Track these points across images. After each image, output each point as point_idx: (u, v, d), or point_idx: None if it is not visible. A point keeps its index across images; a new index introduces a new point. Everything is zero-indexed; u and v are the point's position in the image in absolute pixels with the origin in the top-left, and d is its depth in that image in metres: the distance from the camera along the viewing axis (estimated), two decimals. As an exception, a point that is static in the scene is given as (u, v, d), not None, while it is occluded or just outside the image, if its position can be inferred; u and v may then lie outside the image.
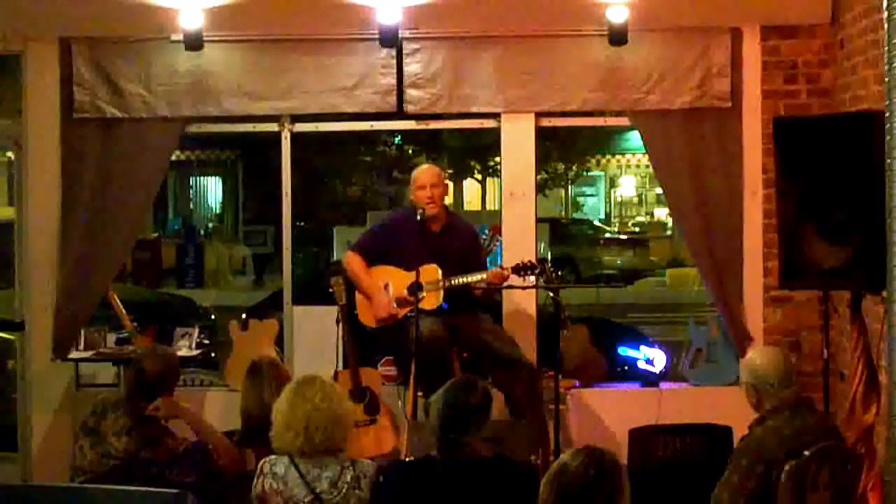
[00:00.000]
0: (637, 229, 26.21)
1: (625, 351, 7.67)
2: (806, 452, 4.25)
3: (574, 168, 24.76)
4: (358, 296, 6.48)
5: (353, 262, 6.49)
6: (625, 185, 29.60)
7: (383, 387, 6.61)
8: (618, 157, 26.53)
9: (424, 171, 6.51)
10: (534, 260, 6.39)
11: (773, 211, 6.34)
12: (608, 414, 6.90)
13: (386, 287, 6.39)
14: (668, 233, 22.83)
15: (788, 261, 5.52)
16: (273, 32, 6.91)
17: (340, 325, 6.43)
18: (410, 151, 21.67)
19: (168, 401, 5.02)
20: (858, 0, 6.18)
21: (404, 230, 6.35)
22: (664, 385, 7.08)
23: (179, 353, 6.16)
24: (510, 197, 7.08)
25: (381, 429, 6.37)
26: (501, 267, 6.36)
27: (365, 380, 6.40)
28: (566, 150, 22.54)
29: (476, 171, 22.89)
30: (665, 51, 6.82)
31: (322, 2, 6.71)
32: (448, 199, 6.72)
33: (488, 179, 23.31)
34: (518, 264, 6.26)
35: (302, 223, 15.76)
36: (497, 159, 16.49)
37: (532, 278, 6.35)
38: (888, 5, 3.48)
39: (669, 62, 6.81)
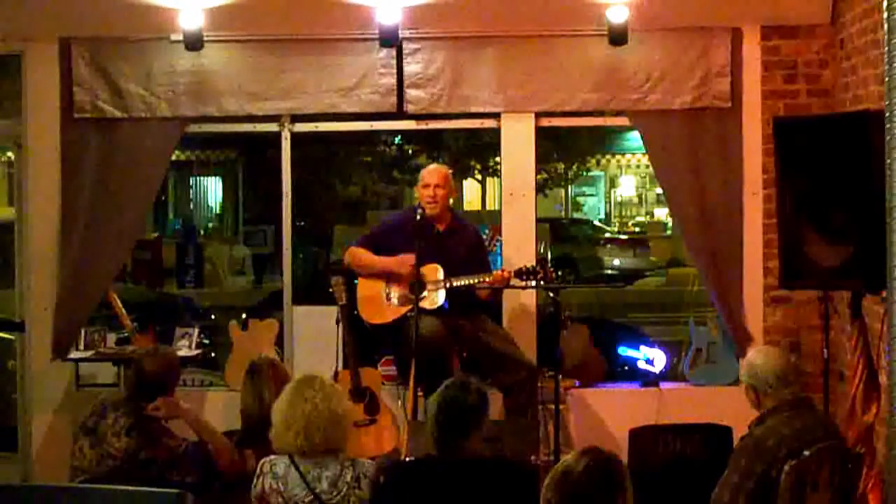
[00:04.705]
0: (637, 229, 26.18)
1: (625, 351, 7.67)
2: (806, 452, 4.25)
3: (574, 168, 24.75)
4: (359, 294, 6.48)
5: (357, 253, 6.51)
6: (625, 185, 29.58)
7: (383, 387, 6.62)
8: (618, 157, 26.51)
9: (431, 171, 6.55)
10: (535, 264, 6.40)
11: (773, 211, 6.34)
12: (608, 414, 6.90)
13: (387, 284, 6.41)
14: (668, 233, 22.81)
15: (788, 261, 5.52)
16: (273, 32, 6.92)
17: (340, 325, 6.43)
18: (410, 151, 21.66)
19: (168, 401, 5.02)
20: (858, 0, 6.18)
21: (408, 229, 6.35)
22: (664, 385, 7.08)
23: (179, 353, 6.16)
24: (510, 197, 7.09)
25: (381, 429, 6.37)
26: (503, 270, 6.37)
27: (365, 380, 6.40)
28: (566, 150, 22.53)
29: (476, 171, 22.89)
30: (665, 51, 6.82)
31: (322, 2, 6.71)
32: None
33: (488, 179, 23.32)
34: (520, 268, 6.27)
35: (302, 223, 15.75)
36: (497, 159, 16.47)
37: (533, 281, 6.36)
38: (888, 5, 3.48)
39: (669, 62, 6.81)
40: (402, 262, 6.30)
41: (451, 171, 6.68)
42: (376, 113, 7.02)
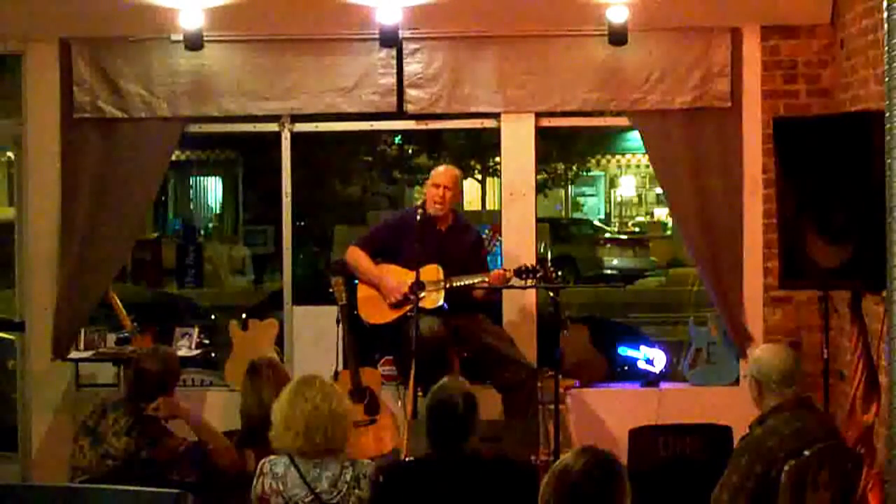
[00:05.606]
0: (637, 229, 26.17)
1: (625, 351, 7.67)
2: (806, 452, 4.24)
3: (574, 168, 24.76)
4: (359, 294, 6.49)
5: (357, 255, 6.52)
6: (625, 185, 29.56)
7: (383, 387, 6.62)
8: (618, 157, 26.52)
9: (442, 172, 6.57)
10: (535, 264, 6.40)
11: (773, 211, 6.34)
12: (608, 414, 6.90)
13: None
14: (668, 233, 22.81)
15: (788, 261, 5.53)
16: (273, 32, 6.92)
17: (340, 325, 6.44)
18: (410, 151, 21.67)
19: (168, 401, 5.03)
20: (858, 0, 6.18)
21: (409, 229, 6.36)
22: (664, 385, 7.08)
23: (179, 353, 6.16)
24: (510, 197, 7.09)
25: (381, 429, 6.37)
26: (503, 269, 6.37)
27: (365, 380, 6.40)
28: (566, 150, 22.53)
29: (476, 171, 22.88)
30: (665, 51, 6.82)
31: (322, 2, 6.71)
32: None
33: (488, 179, 23.30)
34: (520, 267, 6.28)
35: (302, 223, 15.75)
36: (497, 159, 16.48)
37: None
38: (888, 5, 3.48)
39: (669, 62, 6.81)
40: (390, 289, 6.32)
41: (460, 174, 6.68)
42: (376, 113, 7.02)
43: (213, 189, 26.09)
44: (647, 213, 28.82)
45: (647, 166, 21.77)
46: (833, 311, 5.98)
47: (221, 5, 6.62)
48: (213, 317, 12.41)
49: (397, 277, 6.36)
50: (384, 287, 6.39)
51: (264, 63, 6.96)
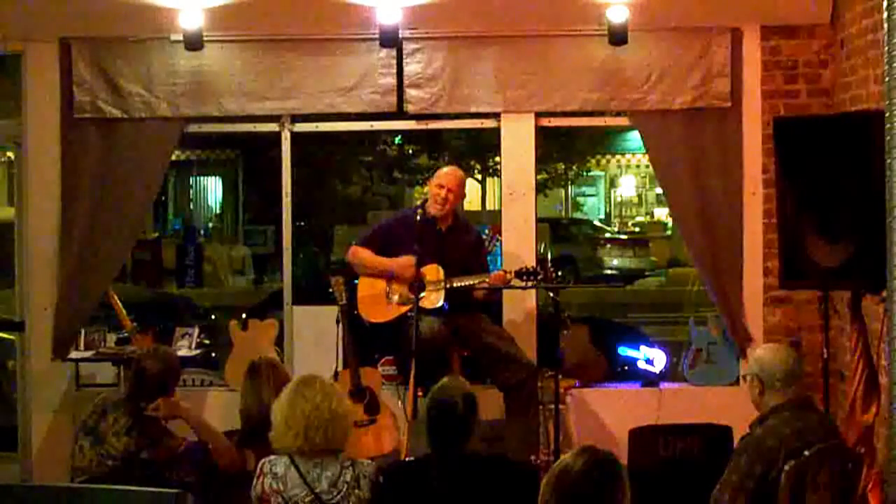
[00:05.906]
0: (637, 229, 26.17)
1: (625, 351, 7.67)
2: (806, 452, 4.25)
3: (574, 168, 24.77)
4: (359, 293, 6.49)
5: (360, 252, 6.52)
6: (625, 185, 29.57)
7: (383, 387, 6.62)
8: (618, 157, 26.51)
9: (448, 174, 6.57)
10: (535, 265, 6.40)
11: (773, 211, 6.34)
12: (608, 414, 6.90)
13: (389, 283, 6.42)
14: (668, 233, 22.80)
15: (788, 261, 5.53)
16: (273, 32, 6.92)
17: (340, 325, 6.44)
18: (410, 151, 21.66)
19: (168, 401, 5.03)
20: (858, 0, 6.18)
21: (409, 229, 6.35)
22: (664, 385, 7.08)
23: (179, 353, 6.17)
24: (510, 197, 7.09)
25: (381, 429, 6.37)
26: (504, 271, 6.37)
27: (365, 380, 6.40)
28: (566, 150, 22.53)
29: (476, 171, 22.87)
30: (665, 51, 6.82)
31: (322, 2, 6.71)
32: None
33: (488, 179, 23.30)
34: (520, 269, 6.28)
35: (302, 223, 15.74)
36: (497, 159, 16.46)
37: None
38: (888, 5, 3.48)
39: (669, 62, 6.81)
40: (404, 265, 6.31)
41: (464, 176, 6.66)
42: (376, 113, 7.03)
43: (213, 189, 26.07)
44: (647, 213, 28.82)
45: (647, 166, 21.77)
46: (833, 311, 5.98)
47: (221, 5, 6.62)
48: (212, 317, 12.41)
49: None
50: (399, 265, 6.35)
51: (264, 63, 6.96)
